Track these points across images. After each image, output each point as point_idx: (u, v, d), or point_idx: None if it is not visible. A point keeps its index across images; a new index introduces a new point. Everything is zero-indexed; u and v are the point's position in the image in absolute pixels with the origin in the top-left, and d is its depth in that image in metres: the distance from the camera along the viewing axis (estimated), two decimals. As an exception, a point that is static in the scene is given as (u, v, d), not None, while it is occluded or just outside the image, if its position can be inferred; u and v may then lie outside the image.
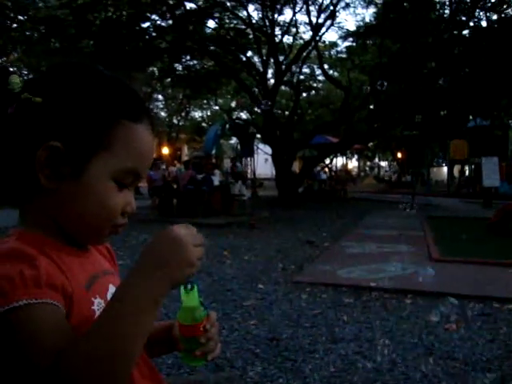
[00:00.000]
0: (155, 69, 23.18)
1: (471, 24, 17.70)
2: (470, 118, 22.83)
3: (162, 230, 0.77)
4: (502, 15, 16.92)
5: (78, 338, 0.69)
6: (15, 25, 20.77)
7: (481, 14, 17.28)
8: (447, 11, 17.97)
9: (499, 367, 3.52)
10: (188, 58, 21.83)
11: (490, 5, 16.74)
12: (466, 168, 28.95)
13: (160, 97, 33.87)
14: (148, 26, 18.24)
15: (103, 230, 0.84)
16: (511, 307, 4.94)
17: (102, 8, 16.65)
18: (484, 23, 17.44)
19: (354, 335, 4.18)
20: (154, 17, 18.10)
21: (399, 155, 34.14)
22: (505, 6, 16.78)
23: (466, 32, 18.15)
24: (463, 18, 17.47)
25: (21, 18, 20.47)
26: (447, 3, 17.77)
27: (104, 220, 0.82)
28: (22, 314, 0.67)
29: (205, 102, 34.33)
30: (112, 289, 0.88)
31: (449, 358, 3.67)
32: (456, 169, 31.98)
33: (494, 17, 17.24)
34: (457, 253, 7.76)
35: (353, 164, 50.92)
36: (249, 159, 21.97)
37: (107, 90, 0.81)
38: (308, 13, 18.10)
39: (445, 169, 33.52)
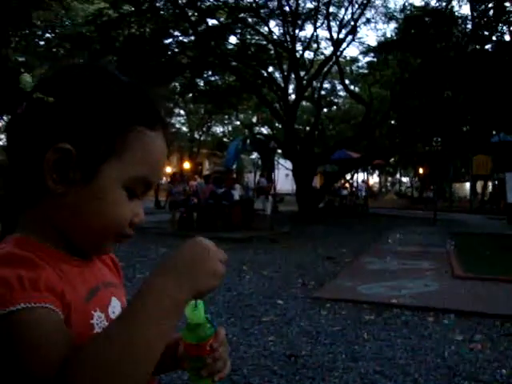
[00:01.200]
0: (177, 84, 23.42)
1: (494, 38, 17.55)
2: (494, 132, 22.52)
3: (191, 239, 0.75)
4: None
5: (86, 345, 0.64)
6: (42, 42, 21.30)
7: (504, 28, 17.14)
8: (469, 26, 17.86)
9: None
10: (210, 73, 22.05)
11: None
12: (490, 184, 28.51)
13: (182, 112, 34.17)
14: (170, 42, 18.50)
15: (108, 240, 0.79)
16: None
17: (126, 25, 16.96)
18: (507, 37, 17.30)
19: (374, 353, 4.09)
20: (176, 33, 18.36)
21: (421, 171, 33.81)
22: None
23: (488, 46, 17.99)
24: (486, 33, 17.32)
25: (48, 35, 20.99)
26: (469, 18, 17.67)
27: (111, 229, 0.77)
28: (19, 319, 0.63)
29: (226, 117, 34.55)
30: (115, 302, 0.84)
31: (473, 380, 3.55)
32: (479, 184, 31.51)
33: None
34: (480, 270, 7.60)
35: (374, 180, 50.56)
36: (272, 174, 21.94)
37: (123, 93, 0.77)
38: (329, 28, 18.18)
39: (467, 184, 33.06)
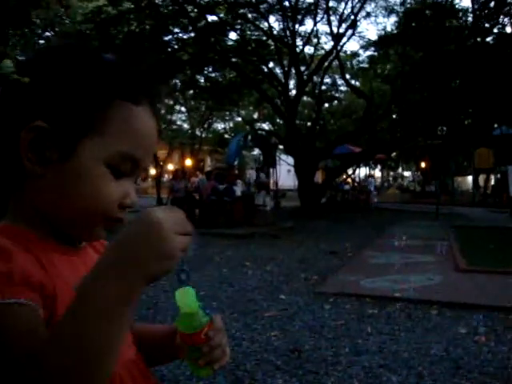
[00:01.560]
0: (177, 81, 23.38)
1: (495, 31, 17.46)
2: (496, 126, 22.45)
3: (141, 213, 0.64)
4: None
5: (40, 349, 0.58)
6: (42, 40, 21.26)
7: (505, 20, 17.05)
8: (470, 18, 17.78)
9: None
10: (210, 69, 21.99)
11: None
12: (492, 177, 28.45)
13: (183, 109, 34.11)
14: (170, 39, 18.43)
15: (95, 222, 0.74)
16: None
17: (125, 22, 16.90)
18: (509, 29, 17.23)
19: (378, 347, 4.07)
20: (176, 30, 18.30)
21: (423, 165, 33.74)
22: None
23: (489, 39, 17.90)
24: (486, 25, 17.23)
25: (48, 34, 20.96)
26: (470, 10, 17.58)
27: (96, 211, 0.72)
28: None
29: (227, 113, 34.48)
30: None
31: (478, 373, 3.53)
32: (481, 178, 31.43)
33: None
34: (483, 263, 7.57)
35: (376, 174, 50.47)
36: (271, 170, 21.96)
37: (102, 69, 0.74)
38: (329, 23, 18.10)
39: (470, 178, 32.99)
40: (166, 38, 18.06)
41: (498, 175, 24.70)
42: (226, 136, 35.12)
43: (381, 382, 3.40)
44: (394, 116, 21.86)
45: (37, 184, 0.71)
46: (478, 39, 17.50)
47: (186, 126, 36.57)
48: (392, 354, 3.91)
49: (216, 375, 3.29)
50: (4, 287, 0.61)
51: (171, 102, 30.15)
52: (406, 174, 51.87)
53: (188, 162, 33.27)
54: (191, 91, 24.45)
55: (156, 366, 0.96)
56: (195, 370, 0.82)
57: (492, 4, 16.61)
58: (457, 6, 18.03)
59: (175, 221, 0.64)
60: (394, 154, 32.96)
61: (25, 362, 0.58)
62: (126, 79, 0.75)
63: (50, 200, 0.72)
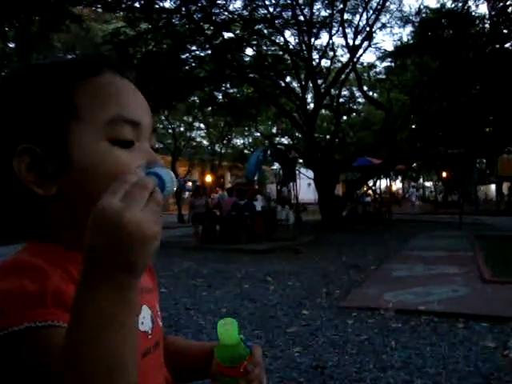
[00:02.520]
0: (196, 98, 23.61)
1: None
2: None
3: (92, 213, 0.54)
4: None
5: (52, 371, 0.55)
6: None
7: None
8: (487, 25, 17.61)
9: None
10: (227, 85, 22.15)
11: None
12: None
13: (202, 125, 34.41)
14: (187, 57, 18.64)
15: None
16: None
17: (143, 42, 17.17)
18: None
19: (403, 362, 3.98)
20: (193, 48, 18.52)
21: (444, 174, 33.34)
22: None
23: (508, 45, 17.70)
24: (505, 31, 17.05)
25: (69, 56, 21.41)
26: (487, 17, 17.42)
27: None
28: (22, 341, 0.56)
29: (246, 128, 34.66)
30: (145, 311, 0.76)
31: (508, 387, 3.43)
32: (505, 186, 30.91)
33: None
34: (510, 273, 7.40)
35: (397, 185, 50.04)
36: (291, 184, 21.93)
37: (45, 69, 0.71)
38: (344, 35, 18.12)
39: (493, 186, 32.47)
40: (183, 56, 18.26)
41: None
42: (246, 151, 35.27)
43: (407, 399, 3.32)
44: (413, 126, 21.67)
45: (58, 202, 0.69)
46: (497, 46, 17.31)
47: (205, 142, 36.85)
48: (418, 370, 3.81)
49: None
50: (35, 309, 0.59)
51: (190, 119, 30.43)
52: (428, 184, 51.34)
53: (208, 179, 33.44)
54: (210, 108, 24.63)
55: (184, 382, 0.93)
56: None
57: (510, 9, 16.44)
58: (473, 14, 17.90)
59: (130, 195, 0.54)
60: (415, 164, 32.66)
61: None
62: (76, 61, 0.74)
63: (78, 208, 0.67)
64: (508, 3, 16.14)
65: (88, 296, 0.53)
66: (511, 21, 16.53)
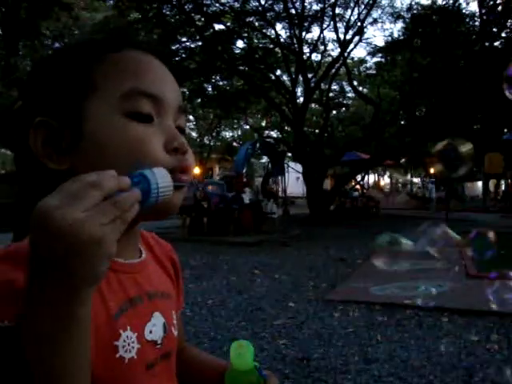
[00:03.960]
0: (185, 90, 23.50)
1: (503, 35, 17.38)
2: (505, 130, 22.29)
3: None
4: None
5: None
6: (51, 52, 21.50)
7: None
8: (477, 23, 17.71)
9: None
10: (217, 78, 22.07)
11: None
12: (502, 182, 28.22)
13: (191, 117, 34.28)
14: (178, 48, 18.53)
15: None
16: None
17: (134, 32, 17.04)
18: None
19: (388, 355, 4.01)
20: (183, 39, 18.41)
21: (432, 171, 33.57)
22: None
23: (497, 43, 17.81)
24: (494, 30, 17.16)
25: (58, 45, 21.18)
26: (477, 15, 17.52)
27: (140, 167, 0.58)
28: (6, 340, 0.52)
29: (235, 121, 34.60)
30: (156, 319, 0.72)
31: (491, 382, 3.47)
32: (491, 183, 31.19)
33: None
34: (495, 269, 7.47)
35: (385, 181, 50.26)
36: (280, 178, 21.96)
37: (76, 43, 0.73)
38: (335, 29, 18.13)
39: (479, 183, 32.75)
40: (174, 47, 18.15)
41: (509, 180, 24.48)
42: (235, 144, 35.23)
43: (391, 391, 3.35)
44: (402, 122, 21.77)
45: (68, 177, 0.62)
46: (486, 44, 17.41)
47: (194, 134, 36.73)
48: (402, 363, 3.85)
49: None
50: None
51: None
52: (415, 180, 51.64)
53: (196, 171, 33.37)
54: (199, 100, 24.53)
55: None
56: None
57: (499, 8, 16.54)
58: (464, 11, 17.98)
59: (73, 194, 0.47)
60: (403, 160, 32.84)
61: None
62: (99, 39, 0.73)
63: None
64: (498, 2, 16.24)
65: (28, 310, 0.50)
66: (500, 19, 16.63)
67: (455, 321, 4.97)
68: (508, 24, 16.85)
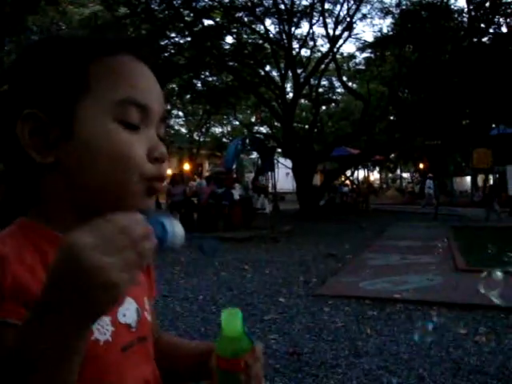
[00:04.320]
0: (175, 85, 23.39)
1: (491, 31, 17.48)
2: (493, 125, 22.46)
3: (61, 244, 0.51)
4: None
5: None
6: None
7: (501, 20, 17.05)
8: (465, 19, 17.79)
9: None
10: (207, 73, 22.01)
11: (510, 11, 16.50)
12: (490, 177, 28.43)
13: (180, 113, 34.15)
14: (167, 43, 18.44)
15: (129, 185, 0.66)
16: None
17: (121, 27, 16.91)
18: (505, 29, 17.20)
19: (378, 349, 4.04)
20: (172, 34, 18.32)
21: (421, 166, 33.72)
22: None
23: (485, 39, 17.91)
24: (482, 25, 17.25)
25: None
26: (465, 11, 17.60)
27: (125, 169, 0.65)
28: None
29: (225, 117, 34.53)
30: (129, 303, 0.74)
31: (479, 373, 3.51)
32: (480, 178, 31.41)
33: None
34: (482, 263, 7.53)
35: (374, 176, 50.47)
36: (270, 173, 21.96)
37: (71, 39, 0.73)
38: (325, 25, 18.13)
39: (468, 178, 32.97)
40: (163, 43, 18.06)
41: (497, 175, 24.68)
42: (224, 140, 35.17)
43: (381, 384, 3.37)
44: (391, 117, 21.86)
45: (54, 173, 0.68)
46: (475, 39, 17.50)
47: (183, 130, 36.63)
48: (392, 356, 3.88)
49: None
50: None
51: (168, 107, 30.20)
52: (405, 175, 51.86)
53: (186, 167, 33.28)
54: (188, 95, 24.46)
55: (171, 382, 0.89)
56: None
57: (487, 4, 16.63)
58: (452, 7, 18.07)
59: (105, 237, 0.51)
60: (393, 155, 33.01)
61: None
62: (99, 38, 0.74)
63: (74, 181, 0.67)
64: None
65: (33, 324, 0.52)
66: (488, 15, 16.72)
67: (444, 314, 5.01)
68: (495, 20, 16.93)
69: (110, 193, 0.67)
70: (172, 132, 34.03)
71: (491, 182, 26.37)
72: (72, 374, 0.54)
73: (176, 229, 0.61)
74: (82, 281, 0.49)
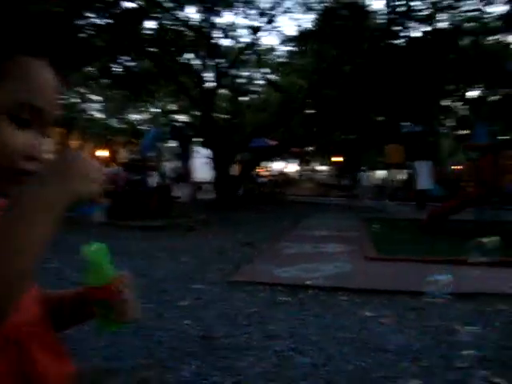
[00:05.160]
0: (93, 69, 22.51)
1: (405, 34, 18.29)
2: (408, 123, 23.60)
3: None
4: (433, 27, 17.56)
5: None
6: None
7: (414, 24, 17.88)
8: (383, 20, 18.50)
9: (428, 356, 3.60)
10: (127, 58, 21.36)
11: (421, 17, 17.33)
12: (405, 171, 29.85)
13: (98, 98, 32.99)
14: (83, 24, 17.68)
15: (5, 180, 0.73)
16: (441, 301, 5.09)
17: (35, 3, 16.03)
18: (418, 33, 18.06)
19: (289, 332, 4.16)
20: (89, 14, 17.59)
21: (337, 159, 34.81)
22: (435, 19, 17.42)
23: (400, 41, 18.73)
24: (397, 28, 18.03)
25: None
26: (384, 12, 18.29)
27: (2, 164, 0.72)
28: None
29: (143, 104, 33.76)
30: None
31: (380, 350, 3.72)
32: (391, 173, 32.87)
33: (428, 28, 17.85)
34: (390, 252, 7.95)
35: (293, 168, 51.48)
36: (188, 162, 21.79)
37: None
38: (247, 16, 18.17)
39: (382, 172, 34.47)
40: (79, 23, 17.31)
41: (410, 170, 25.99)
42: (142, 127, 34.42)
43: (292, 364, 3.48)
44: (310, 111, 22.35)
45: None
46: (391, 41, 18.25)
47: (100, 115, 35.46)
48: (302, 338, 4.01)
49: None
50: None
51: (84, 91, 29.12)
52: (322, 168, 53.26)
53: (102, 153, 32.28)
54: (106, 80, 23.63)
55: (64, 330, 0.93)
56: (104, 325, 0.82)
57: (401, 9, 17.38)
58: (372, 7, 18.71)
59: (88, 161, 0.71)
60: (311, 148, 33.80)
61: None
62: (21, 35, 0.76)
63: None
64: (397, 3, 17.08)
65: (39, 188, 0.65)
66: (401, 19, 17.51)
67: (352, 299, 5.23)
68: (409, 24, 17.72)
69: None
70: (87, 117, 32.85)
71: (404, 176, 27.76)
72: (48, 229, 0.64)
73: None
74: (85, 170, 0.69)
